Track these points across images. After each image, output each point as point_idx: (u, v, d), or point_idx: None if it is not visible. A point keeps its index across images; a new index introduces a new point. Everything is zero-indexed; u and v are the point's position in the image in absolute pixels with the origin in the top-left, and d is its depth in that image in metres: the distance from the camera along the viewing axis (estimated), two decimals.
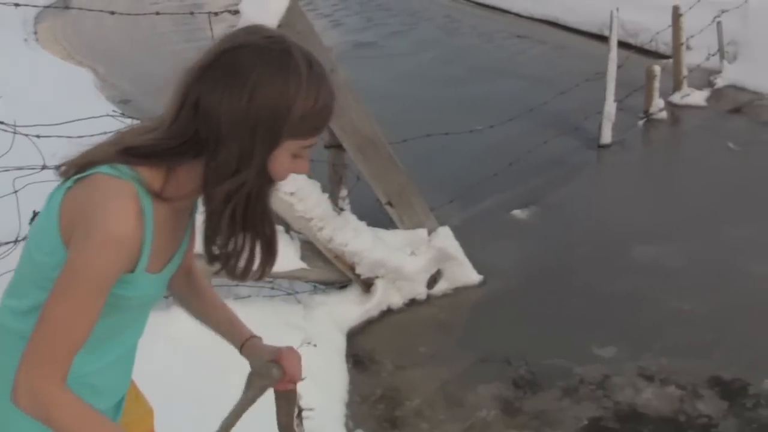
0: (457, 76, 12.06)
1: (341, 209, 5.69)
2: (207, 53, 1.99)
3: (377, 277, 5.74)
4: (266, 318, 5.10)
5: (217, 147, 1.95)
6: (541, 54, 13.42)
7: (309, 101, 1.95)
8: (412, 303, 5.97)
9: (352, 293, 5.77)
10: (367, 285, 5.75)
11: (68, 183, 1.99)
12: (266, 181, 2.03)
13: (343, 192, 5.85)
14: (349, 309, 5.67)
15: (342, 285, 5.81)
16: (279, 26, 4.98)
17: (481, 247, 6.51)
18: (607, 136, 9.04)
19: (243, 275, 2.15)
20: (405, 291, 5.92)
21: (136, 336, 2.34)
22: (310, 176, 5.28)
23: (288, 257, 5.33)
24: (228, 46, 1.97)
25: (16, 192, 4.56)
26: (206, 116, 1.94)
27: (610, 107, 8.98)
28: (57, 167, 2.09)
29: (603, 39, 12.68)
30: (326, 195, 5.47)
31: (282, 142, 1.97)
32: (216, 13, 5.41)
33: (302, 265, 5.41)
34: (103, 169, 1.96)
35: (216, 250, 2.09)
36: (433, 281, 6.03)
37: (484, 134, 8.04)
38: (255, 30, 2.03)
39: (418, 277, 5.94)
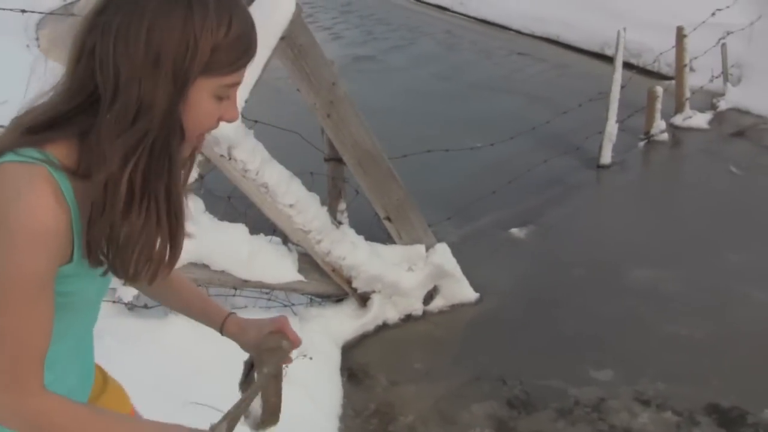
0: (456, 92, 12.04)
1: (340, 223, 5.67)
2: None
3: (374, 291, 5.71)
4: None
5: (115, 96, 1.70)
6: (541, 72, 13.40)
7: (220, 30, 1.73)
8: (408, 319, 5.94)
9: (348, 307, 5.74)
10: (364, 299, 5.72)
11: None
12: (175, 132, 1.77)
13: (342, 205, 5.84)
14: (344, 323, 5.64)
15: (338, 298, 5.78)
16: (282, 38, 4.96)
17: (478, 265, 6.48)
18: (607, 157, 9.02)
19: (134, 275, 1.88)
20: (401, 306, 5.89)
21: (89, 327, 2.12)
22: (309, 189, 5.27)
23: (285, 269, 5.31)
24: None
25: None
26: (102, 63, 1.71)
27: (612, 128, 8.97)
28: None
29: (604, 58, 12.77)
30: (325, 208, 5.43)
31: (193, 80, 1.74)
32: None
33: (299, 277, 5.37)
34: (8, 157, 1.72)
35: (101, 241, 1.81)
36: (429, 297, 6.00)
37: (483, 151, 8.03)
38: None
39: (415, 293, 5.91)
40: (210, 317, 2.33)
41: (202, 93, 1.77)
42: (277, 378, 2.24)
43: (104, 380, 2.31)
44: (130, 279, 1.89)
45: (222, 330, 2.31)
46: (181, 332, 4.63)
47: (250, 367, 2.28)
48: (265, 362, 2.20)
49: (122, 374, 2.43)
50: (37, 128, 1.76)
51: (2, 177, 1.71)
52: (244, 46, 1.81)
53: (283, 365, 2.25)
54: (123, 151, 1.72)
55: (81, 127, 1.76)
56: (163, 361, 4.52)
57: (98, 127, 1.73)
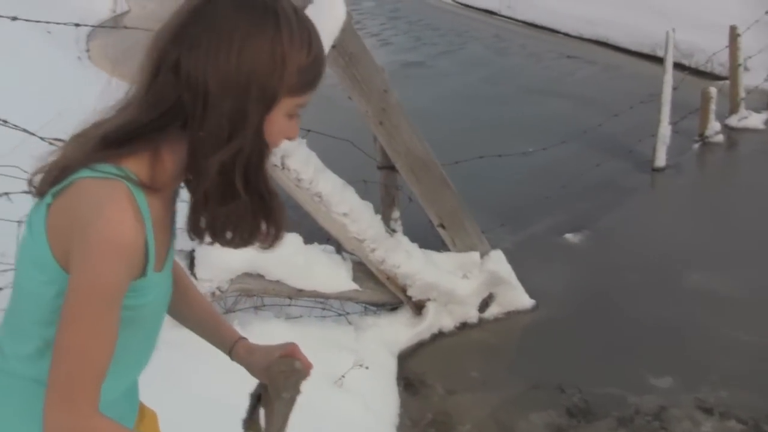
0: (506, 96, 12.00)
1: (394, 231, 5.64)
2: (179, 10, 1.78)
3: (429, 299, 5.67)
4: (317, 339, 5.08)
5: (206, 112, 1.73)
6: (592, 75, 13.32)
7: (303, 52, 1.77)
8: (464, 326, 5.89)
9: (404, 315, 5.71)
10: (419, 307, 5.68)
11: (47, 199, 1.77)
12: (263, 146, 1.81)
13: (396, 213, 5.81)
14: (400, 331, 5.61)
15: (393, 307, 5.75)
16: (333, 47, 4.95)
17: (533, 271, 6.42)
18: (661, 160, 8.92)
19: (246, 245, 1.94)
20: (456, 314, 5.85)
21: (148, 356, 2.09)
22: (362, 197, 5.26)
23: (340, 278, 5.30)
24: (203, 0, 1.77)
25: None
26: (189, 78, 1.71)
27: (665, 130, 8.87)
28: (29, 185, 1.88)
29: (654, 59, 12.64)
30: (379, 216, 5.41)
31: (279, 99, 1.78)
32: None
33: (354, 286, 5.36)
34: (83, 173, 1.73)
35: (204, 224, 1.88)
36: (484, 305, 5.96)
37: (535, 156, 7.96)
38: None
39: (470, 300, 5.87)
40: (221, 339, 2.30)
41: (280, 112, 1.79)
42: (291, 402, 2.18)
43: (141, 406, 2.28)
44: (241, 247, 1.94)
45: (231, 353, 2.28)
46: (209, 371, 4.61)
47: (256, 399, 2.22)
48: (282, 387, 2.15)
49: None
50: (111, 143, 1.76)
51: (81, 192, 1.72)
52: (321, 67, 1.84)
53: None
54: (219, 166, 1.76)
55: (155, 143, 1.78)
56: (187, 391, 4.49)
57: (191, 145, 1.76)
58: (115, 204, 1.69)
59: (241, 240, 1.91)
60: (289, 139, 1.88)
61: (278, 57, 1.73)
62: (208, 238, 1.92)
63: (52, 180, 1.79)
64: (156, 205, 1.81)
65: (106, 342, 1.73)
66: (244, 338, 2.28)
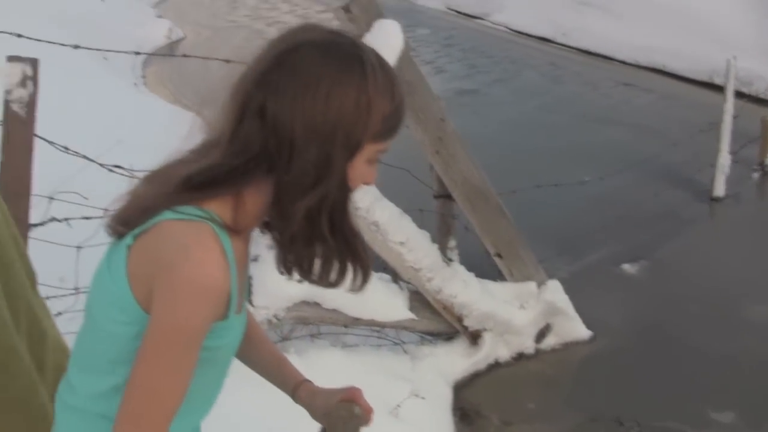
0: (562, 124, 11.95)
1: (450, 260, 5.61)
2: (263, 56, 1.80)
3: (485, 329, 5.63)
4: (373, 368, 5.07)
5: (291, 158, 1.74)
6: (649, 103, 13.26)
7: (387, 99, 1.79)
8: (520, 357, 5.85)
9: (460, 345, 5.67)
10: (475, 337, 5.65)
11: (127, 240, 1.78)
12: (347, 191, 1.83)
13: (452, 242, 5.77)
14: (456, 361, 5.58)
15: (449, 336, 5.72)
16: None
17: (590, 302, 6.36)
18: (720, 189, 8.84)
19: (334, 285, 1.94)
20: (513, 344, 5.81)
21: (215, 396, 2.09)
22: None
23: (396, 307, 5.28)
24: (288, 46, 1.79)
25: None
26: (276, 124, 1.73)
27: (724, 159, 8.79)
28: (107, 226, 1.88)
29: (712, 87, 12.57)
30: (435, 245, 5.39)
31: (364, 146, 1.78)
32: None
33: (410, 315, 5.34)
34: (166, 215, 1.74)
35: (292, 264, 1.90)
36: (541, 335, 5.91)
37: (592, 185, 7.93)
38: (310, 27, 1.84)
39: (527, 330, 5.83)
40: (285, 381, 2.27)
41: (362, 158, 1.81)
42: None
43: None
44: (329, 286, 1.94)
45: (294, 395, 2.24)
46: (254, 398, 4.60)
47: None
48: (339, 429, 2.13)
49: None
50: (194, 186, 1.77)
51: (165, 234, 1.74)
52: (403, 113, 1.85)
53: None
54: (305, 211, 1.77)
55: (239, 186, 1.78)
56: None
57: (277, 190, 1.77)
58: (202, 246, 1.71)
59: (329, 281, 1.92)
60: (367, 184, 1.89)
61: (364, 105, 1.74)
62: (296, 275, 1.93)
63: (133, 221, 1.80)
64: (238, 247, 1.82)
65: (180, 382, 1.74)
66: (308, 381, 2.26)
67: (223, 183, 1.77)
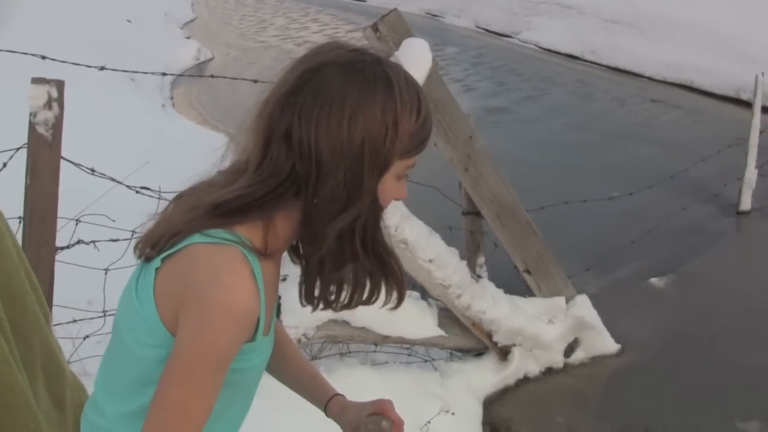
0: (591, 141, 11.97)
1: (479, 276, 5.66)
2: (287, 77, 1.79)
3: (514, 345, 5.67)
4: (402, 385, 5.09)
5: (319, 181, 1.73)
6: (677, 118, 13.26)
7: (413, 115, 1.77)
8: (549, 372, 5.88)
9: (489, 361, 5.71)
10: (504, 353, 5.69)
11: (155, 263, 1.78)
12: (379, 210, 1.82)
13: (481, 259, 5.82)
14: (485, 377, 5.61)
15: (478, 352, 5.76)
16: None
17: (619, 316, 6.40)
18: (746, 203, 8.86)
19: (365, 303, 1.93)
20: (542, 359, 5.84)
21: (243, 416, 2.09)
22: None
23: (425, 324, 5.32)
24: (309, 67, 1.77)
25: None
26: (302, 148, 1.72)
27: (751, 174, 8.80)
28: (135, 248, 1.89)
29: (739, 102, 12.56)
30: (464, 262, 5.44)
31: (393, 163, 1.77)
32: None
33: (439, 332, 5.38)
34: (195, 238, 1.74)
35: (318, 292, 1.88)
36: (570, 350, 5.95)
37: (621, 201, 7.95)
38: (333, 46, 1.83)
39: (556, 345, 5.86)
40: (317, 396, 2.28)
41: (391, 175, 1.80)
42: None
43: None
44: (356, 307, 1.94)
45: (326, 410, 2.25)
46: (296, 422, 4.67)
47: None
48: None
49: None
50: (227, 209, 1.77)
51: (195, 258, 1.73)
52: (430, 127, 1.85)
53: None
54: (337, 233, 1.77)
55: (269, 211, 1.79)
56: None
57: (306, 213, 1.77)
58: (232, 270, 1.71)
59: (359, 302, 1.91)
60: (397, 199, 1.89)
61: (390, 122, 1.74)
62: (322, 306, 1.92)
63: (161, 243, 1.80)
64: (267, 270, 1.83)
65: (207, 403, 1.73)
66: (340, 395, 2.26)
67: (253, 209, 1.77)
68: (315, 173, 1.73)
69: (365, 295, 1.91)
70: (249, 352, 1.82)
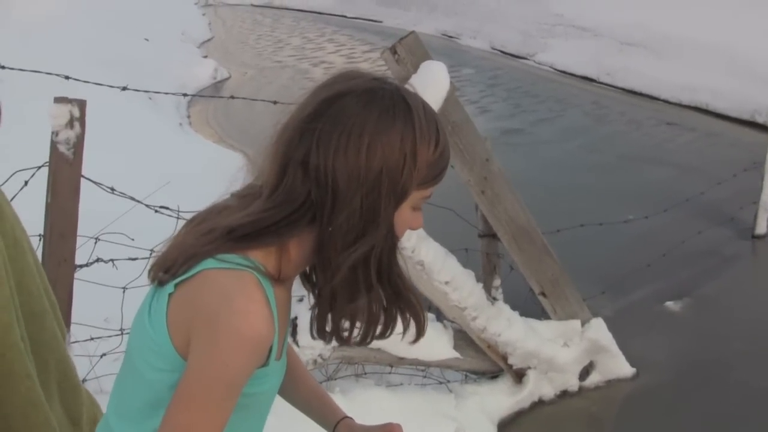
0: (606, 164, 11.96)
1: (494, 299, 5.66)
2: (306, 104, 1.78)
3: (529, 367, 5.67)
4: (417, 406, 5.10)
5: (335, 209, 1.72)
6: (692, 141, 13.25)
7: (432, 145, 1.77)
8: (564, 395, 5.87)
9: (504, 383, 5.70)
10: (519, 375, 5.69)
11: (168, 289, 1.77)
12: (395, 240, 1.81)
13: (497, 281, 5.83)
14: (500, 399, 5.60)
15: (493, 375, 5.75)
16: None
17: (634, 339, 6.39)
18: (762, 227, 8.85)
19: (380, 336, 1.91)
20: (557, 382, 5.84)
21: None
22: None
23: (441, 346, 5.32)
24: (329, 95, 1.76)
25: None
26: (319, 175, 1.71)
27: (767, 197, 8.78)
28: (149, 273, 1.88)
29: (755, 125, 12.54)
30: (480, 284, 5.43)
31: (410, 193, 1.77)
32: None
33: (455, 354, 5.38)
34: (209, 264, 1.73)
35: (330, 327, 1.87)
36: (585, 373, 5.94)
37: (636, 224, 7.93)
38: (353, 74, 1.82)
39: (571, 368, 5.86)
40: (326, 417, 2.27)
41: (407, 205, 1.80)
42: None
43: None
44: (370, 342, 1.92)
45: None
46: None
47: None
48: None
49: None
50: (241, 234, 1.76)
51: (208, 283, 1.72)
52: (447, 158, 1.84)
53: None
54: (352, 263, 1.75)
55: (283, 237, 1.78)
56: None
57: (320, 241, 1.76)
58: (246, 296, 1.70)
59: (372, 337, 1.90)
60: (413, 228, 1.87)
61: (409, 152, 1.73)
62: (334, 342, 1.92)
63: (175, 268, 1.79)
64: (280, 295, 1.81)
65: (216, 427, 1.72)
66: (349, 417, 2.25)
67: (267, 234, 1.76)
68: (331, 201, 1.72)
69: (379, 330, 1.89)
70: (261, 377, 1.82)
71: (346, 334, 1.89)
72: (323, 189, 1.72)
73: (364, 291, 1.80)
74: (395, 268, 1.84)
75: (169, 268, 1.81)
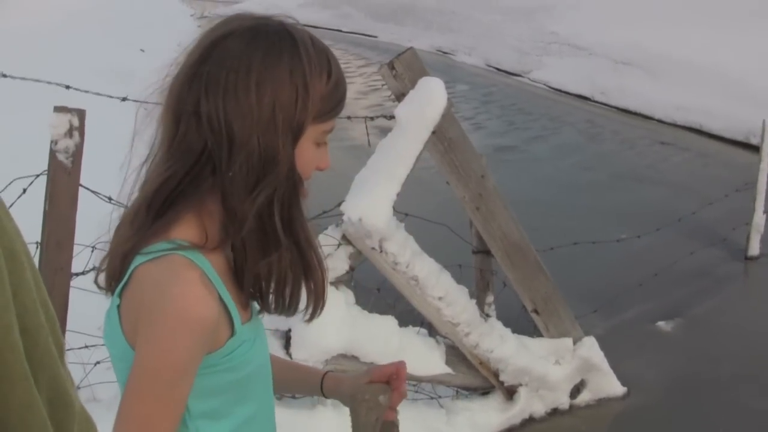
0: (600, 182, 12.01)
1: (487, 315, 5.67)
2: (190, 52, 1.74)
3: (520, 384, 5.67)
4: (409, 421, 5.07)
5: (232, 153, 1.66)
6: (685, 161, 13.30)
7: (323, 76, 1.73)
8: (555, 412, 5.87)
9: (495, 400, 5.70)
10: (510, 392, 5.69)
11: (115, 301, 1.75)
12: (297, 180, 1.75)
13: (490, 298, 5.84)
14: (491, 416, 5.60)
15: (485, 391, 5.75)
16: (433, 132, 5.05)
17: (625, 359, 6.40)
18: (755, 248, 8.88)
19: (289, 307, 1.86)
20: (548, 400, 5.84)
21: (272, 416, 2.03)
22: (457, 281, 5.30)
23: (433, 361, 5.31)
24: (213, 38, 1.72)
25: None
26: (211, 120, 1.66)
27: (759, 218, 8.82)
28: (100, 286, 1.86)
29: (748, 147, 12.60)
30: (473, 301, 5.44)
31: (307, 128, 1.72)
32: (372, 118, 5.47)
33: (447, 369, 5.37)
34: (137, 261, 1.70)
35: (249, 284, 1.80)
36: (576, 391, 5.95)
37: (629, 243, 7.96)
38: (236, 16, 1.76)
39: (562, 386, 5.86)
40: (308, 382, 2.21)
41: (307, 141, 1.76)
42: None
43: None
44: (287, 313, 1.88)
45: (323, 392, 2.16)
46: (330, 425, 4.69)
47: None
48: (361, 415, 2.00)
49: None
50: (155, 211, 1.73)
51: (141, 281, 1.69)
52: (343, 90, 1.80)
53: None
54: (256, 209, 1.71)
55: (195, 200, 1.73)
56: None
57: (222, 189, 1.70)
58: (177, 279, 1.65)
59: (283, 302, 1.85)
60: (320, 169, 1.83)
61: (300, 85, 1.70)
62: (257, 305, 1.88)
63: (116, 274, 1.78)
64: (219, 260, 1.77)
65: (171, 413, 1.67)
66: (330, 371, 2.20)
67: (179, 199, 1.72)
68: (227, 145, 1.68)
69: (288, 293, 1.84)
70: (238, 345, 1.77)
71: (267, 290, 1.85)
72: (218, 134, 1.68)
73: (273, 244, 1.75)
74: (299, 217, 1.79)
75: (113, 274, 1.80)
